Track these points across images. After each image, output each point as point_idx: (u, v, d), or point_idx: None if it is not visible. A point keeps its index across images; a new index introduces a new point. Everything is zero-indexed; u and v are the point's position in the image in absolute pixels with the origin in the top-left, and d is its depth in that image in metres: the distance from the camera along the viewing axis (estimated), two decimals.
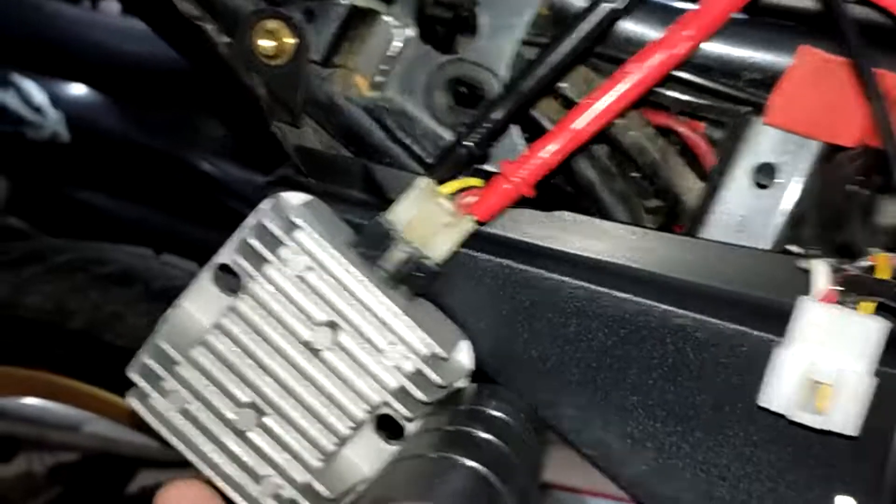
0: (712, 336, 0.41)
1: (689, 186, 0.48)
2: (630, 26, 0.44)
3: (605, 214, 0.48)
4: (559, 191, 0.49)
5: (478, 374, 0.45)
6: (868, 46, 0.38)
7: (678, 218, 0.48)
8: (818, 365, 0.37)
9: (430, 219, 0.41)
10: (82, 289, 0.75)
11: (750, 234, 0.45)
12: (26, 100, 1.48)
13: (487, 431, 0.36)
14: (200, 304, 0.44)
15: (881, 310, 0.38)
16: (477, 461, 0.33)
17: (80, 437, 1.46)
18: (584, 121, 0.40)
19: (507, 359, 0.45)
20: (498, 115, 0.42)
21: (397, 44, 0.46)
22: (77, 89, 1.51)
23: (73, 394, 0.81)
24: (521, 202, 0.43)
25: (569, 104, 0.47)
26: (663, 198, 0.49)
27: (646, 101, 0.44)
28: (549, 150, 0.40)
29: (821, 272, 0.39)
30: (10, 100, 1.47)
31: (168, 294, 0.81)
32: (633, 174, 0.49)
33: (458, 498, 0.29)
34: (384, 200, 0.47)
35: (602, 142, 0.48)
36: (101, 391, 0.80)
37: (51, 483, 1.51)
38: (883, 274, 0.38)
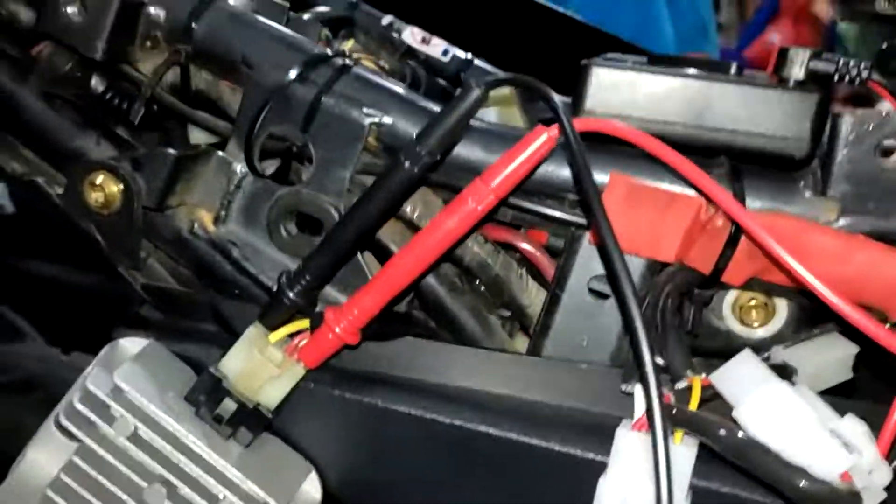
0: (543, 459, 0.42)
1: (532, 299, 0.49)
2: (461, 151, 0.45)
3: (456, 328, 0.49)
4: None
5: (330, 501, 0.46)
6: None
7: (529, 328, 0.49)
8: (633, 494, 0.38)
9: (258, 369, 0.42)
10: None
11: (592, 347, 0.45)
12: None
13: None
14: (47, 451, 0.45)
15: None
16: None
17: None
18: (396, 275, 0.40)
19: (358, 485, 0.45)
20: (319, 263, 0.42)
21: (235, 178, 0.47)
22: None
23: None
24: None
25: (411, 226, 0.48)
26: (511, 309, 0.49)
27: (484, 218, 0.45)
28: (368, 301, 0.41)
29: (640, 398, 0.40)
30: None
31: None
32: (481, 287, 0.50)
33: None
34: (233, 333, 0.47)
35: (445, 259, 0.48)
36: None
37: None
38: (693, 400, 0.38)
